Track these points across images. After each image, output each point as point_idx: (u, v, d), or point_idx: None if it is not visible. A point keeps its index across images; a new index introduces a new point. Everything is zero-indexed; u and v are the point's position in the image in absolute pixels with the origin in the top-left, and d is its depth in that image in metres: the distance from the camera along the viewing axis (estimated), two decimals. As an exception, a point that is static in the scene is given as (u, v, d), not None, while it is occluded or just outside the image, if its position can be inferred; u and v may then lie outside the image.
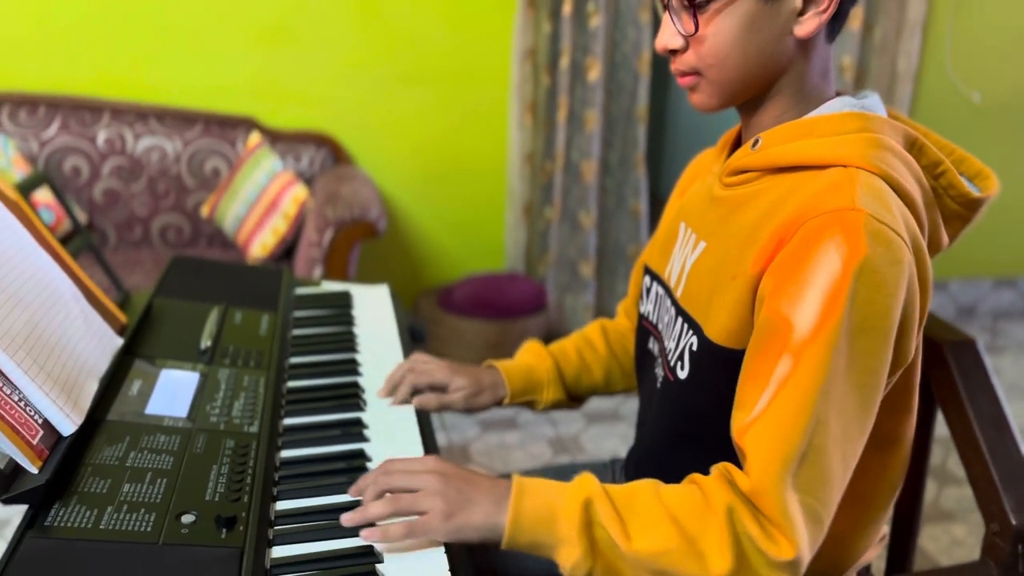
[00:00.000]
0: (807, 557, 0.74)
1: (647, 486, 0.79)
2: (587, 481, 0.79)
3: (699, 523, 0.74)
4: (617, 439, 2.43)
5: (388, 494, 0.81)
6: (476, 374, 1.10)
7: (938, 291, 3.30)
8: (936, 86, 3.02)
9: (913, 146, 0.83)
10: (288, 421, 1.00)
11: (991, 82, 3.04)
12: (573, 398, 1.17)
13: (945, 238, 0.87)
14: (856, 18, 2.77)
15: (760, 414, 0.74)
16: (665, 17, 0.84)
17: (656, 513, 0.76)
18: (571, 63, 2.67)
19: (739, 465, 0.78)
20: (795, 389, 0.73)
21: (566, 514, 0.77)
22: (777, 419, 0.73)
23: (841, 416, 0.74)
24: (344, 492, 0.86)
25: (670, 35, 0.84)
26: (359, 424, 1.00)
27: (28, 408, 0.77)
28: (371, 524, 0.80)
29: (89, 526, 0.72)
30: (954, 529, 2.08)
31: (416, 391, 1.07)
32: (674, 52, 0.85)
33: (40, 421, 0.78)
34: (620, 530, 0.75)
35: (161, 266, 2.37)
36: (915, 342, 0.80)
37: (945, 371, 0.96)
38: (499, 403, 1.11)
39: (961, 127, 3.08)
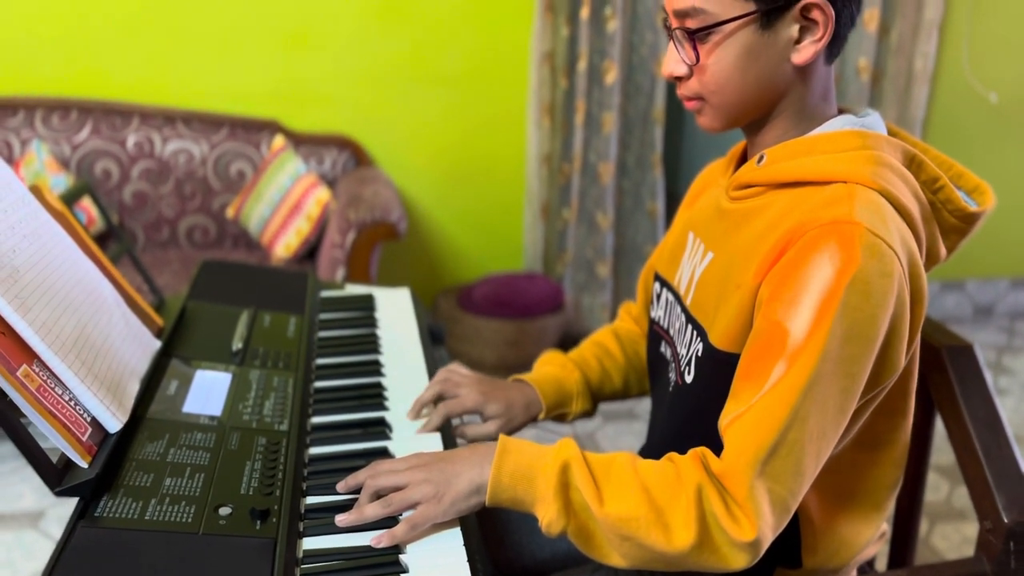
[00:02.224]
0: (767, 540, 0.79)
1: (625, 457, 0.84)
2: (567, 445, 0.85)
3: (668, 496, 0.80)
4: (633, 437, 2.47)
5: (380, 497, 0.86)
6: (508, 396, 1.09)
7: (955, 291, 3.32)
8: (953, 86, 3.03)
9: (912, 162, 0.87)
10: (316, 420, 1.05)
11: (1008, 82, 3.05)
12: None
13: (943, 250, 0.91)
14: (872, 19, 2.79)
15: (747, 410, 0.80)
16: (670, 45, 0.88)
17: (629, 482, 0.81)
18: (588, 66, 2.71)
19: None
20: (782, 389, 0.78)
21: (544, 475, 0.82)
22: (760, 414, 0.79)
23: (821, 415, 0.79)
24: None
25: (674, 63, 0.88)
26: (382, 423, 1.05)
27: (78, 407, 0.83)
28: (370, 527, 0.85)
29: (135, 517, 0.78)
30: (965, 528, 2.11)
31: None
32: (679, 78, 0.89)
33: (89, 419, 0.84)
34: (594, 494, 0.81)
35: (188, 266, 2.44)
36: (906, 351, 0.84)
37: (943, 375, 1.00)
38: (533, 420, 1.11)
39: (978, 127, 3.09)
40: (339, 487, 0.90)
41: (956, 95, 3.04)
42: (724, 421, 0.82)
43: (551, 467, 0.83)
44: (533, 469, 0.83)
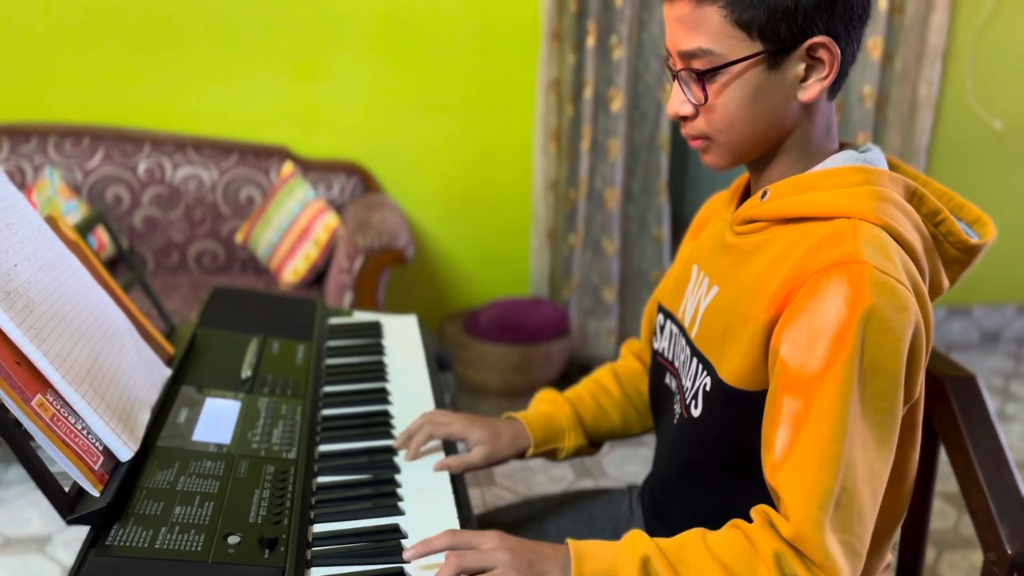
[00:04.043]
0: None
1: (695, 536, 0.83)
2: (639, 538, 0.83)
3: (749, 568, 0.79)
4: (638, 463, 2.47)
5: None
6: (494, 426, 1.09)
7: (962, 317, 3.32)
8: (958, 114, 3.04)
9: (913, 196, 0.88)
10: (323, 448, 1.06)
11: (1013, 109, 3.06)
12: (592, 444, 1.17)
13: (946, 281, 0.92)
14: (876, 47, 2.81)
15: (786, 455, 0.79)
16: (675, 86, 0.90)
17: (708, 563, 0.80)
18: (594, 93, 2.74)
19: (761, 498, 0.84)
20: (816, 432, 0.78)
21: (626, 574, 0.80)
22: (806, 464, 0.78)
23: (865, 456, 0.79)
24: (375, 516, 0.93)
25: (680, 103, 0.89)
26: (389, 451, 1.06)
27: (90, 436, 0.85)
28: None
29: (146, 545, 0.79)
30: (973, 556, 2.10)
31: (432, 438, 1.07)
32: (684, 118, 0.90)
33: (100, 448, 0.85)
34: None
35: (197, 291, 2.46)
36: (920, 381, 0.85)
37: (946, 406, 1.01)
38: (522, 455, 1.10)
39: (983, 154, 3.10)
40: (408, 556, 0.84)
41: (961, 122, 3.05)
42: (768, 469, 0.82)
43: (630, 564, 0.80)
44: (613, 570, 0.81)
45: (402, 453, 1.06)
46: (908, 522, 1.11)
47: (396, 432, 1.11)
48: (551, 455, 1.14)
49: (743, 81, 0.85)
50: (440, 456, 1.06)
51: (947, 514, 2.25)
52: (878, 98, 2.92)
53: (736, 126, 0.87)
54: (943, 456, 1.07)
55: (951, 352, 3.25)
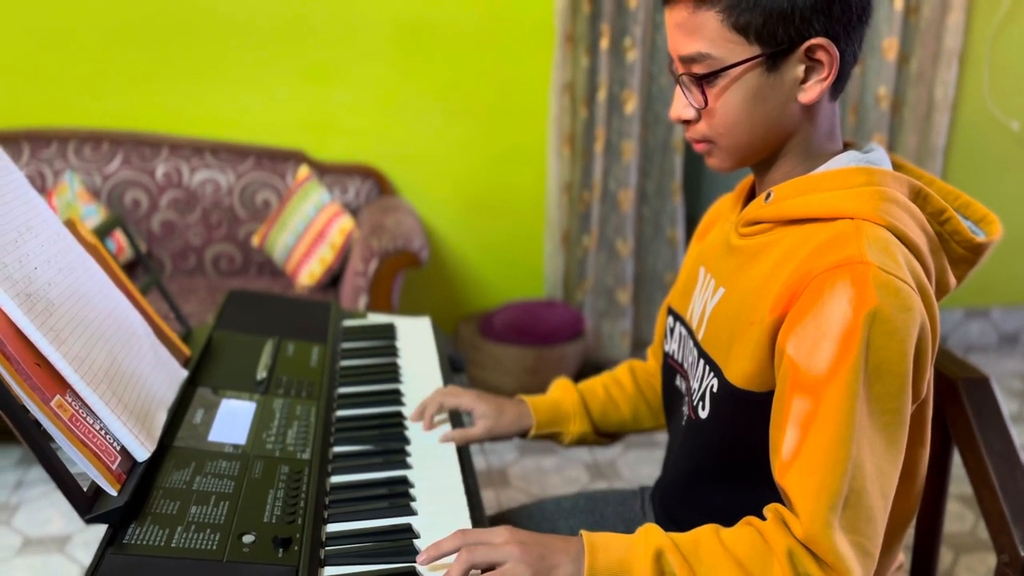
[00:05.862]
0: None
1: (708, 532, 0.83)
2: (653, 532, 0.83)
3: (762, 566, 0.79)
4: (653, 465, 2.47)
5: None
6: (500, 403, 1.15)
7: (980, 318, 3.29)
8: (974, 115, 3.03)
9: (918, 196, 0.88)
10: (337, 448, 1.07)
11: (1030, 110, 3.04)
12: (602, 434, 1.20)
13: (952, 280, 0.91)
14: (892, 48, 2.80)
15: (794, 456, 0.80)
16: (677, 90, 0.90)
17: (721, 558, 0.80)
18: (608, 96, 2.74)
19: (770, 499, 0.85)
20: (822, 432, 0.78)
21: (640, 567, 0.80)
22: (814, 465, 0.78)
23: (873, 457, 0.79)
24: (388, 516, 0.94)
25: (683, 106, 0.90)
26: (402, 452, 1.07)
27: (108, 436, 0.86)
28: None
29: (162, 544, 0.80)
30: (990, 559, 2.08)
31: (443, 411, 1.14)
32: (687, 122, 0.91)
33: (118, 448, 0.87)
34: None
35: (214, 294, 2.48)
36: (927, 380, 0.85)
37: (959, 407, 1.00)
38: (524, 434, 1.15)
39: (1000, 155, 3.08)
40: (421, 560, 0.84)
41: (977, 123, 3.04)
42: (777, 470, 0.82)
43: (645, 557, 0.81)
44: (626, 562, 0.81)
45: (415, 454, 1.07)
46: (922, 524, 1.11)
47: (409, 434, 1.12)
48: (556, 438, 1.18)
49: (742, 84, 0.85)
50: (453, 451, 1.07)
51: (965, 517, 2.24)
52: (894, 99, 2.91)
53: (737, 129, 0.88)
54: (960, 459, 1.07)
55: (969, 354, 3.23)
